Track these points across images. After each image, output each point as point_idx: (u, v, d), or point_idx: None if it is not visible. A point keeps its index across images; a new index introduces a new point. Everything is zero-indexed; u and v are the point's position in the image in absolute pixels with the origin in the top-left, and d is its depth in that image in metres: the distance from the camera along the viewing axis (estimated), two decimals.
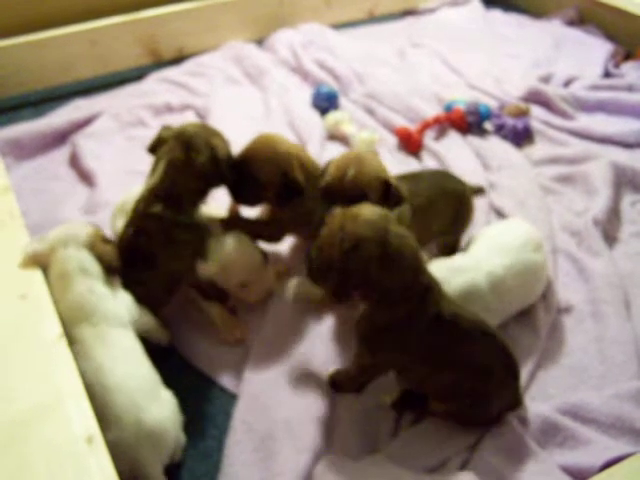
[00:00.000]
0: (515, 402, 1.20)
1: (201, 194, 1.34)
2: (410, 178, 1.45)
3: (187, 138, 1.29)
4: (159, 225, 1.28)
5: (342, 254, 1.05)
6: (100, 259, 1.23)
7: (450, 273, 1.31)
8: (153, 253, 1.29)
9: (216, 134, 1.35)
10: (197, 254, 1.34)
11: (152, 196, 1.28)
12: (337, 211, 1.12)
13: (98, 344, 1.13)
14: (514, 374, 1.18)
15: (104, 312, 1.17)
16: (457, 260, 1.38)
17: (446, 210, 1.47)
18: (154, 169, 1.31)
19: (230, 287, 1.42)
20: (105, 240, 1.28)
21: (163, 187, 1.28)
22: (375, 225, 1.06)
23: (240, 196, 1.42)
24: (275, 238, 1.51)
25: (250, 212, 1.52)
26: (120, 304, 1.22)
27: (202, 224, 1.34)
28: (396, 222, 1.10)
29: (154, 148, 1.33)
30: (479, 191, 1.65)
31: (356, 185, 1.24)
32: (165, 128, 1.34)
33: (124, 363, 1.12)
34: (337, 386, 1.28)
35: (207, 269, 1.36)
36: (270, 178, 1.37)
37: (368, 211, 1.09)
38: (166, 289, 1.36)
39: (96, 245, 1.24)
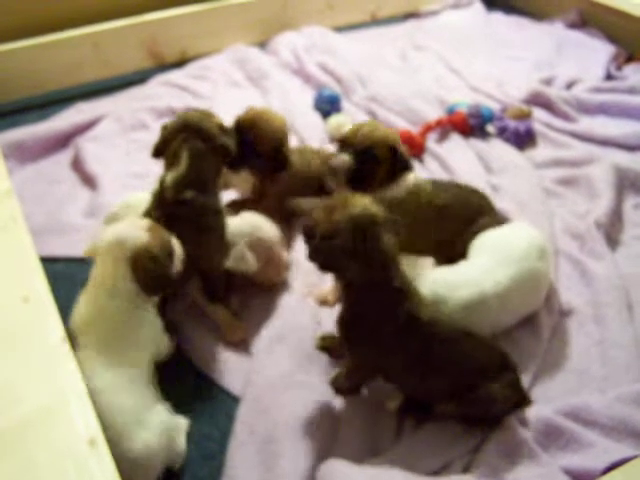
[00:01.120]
0: (520, 396, 1.20)
1: (219, 173, 1.38)
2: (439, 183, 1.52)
3: (196, 125, 1.32)
4: (191, 211, 1.30)
5: (319, 237, 1.11)
6: (139, 277, 1.14)
7: (454, 284, 1.31)
8: (182, 239, 1.27)
9: (212, 114, 1.39)
10: (220, 241, 1.37)
11: (181, 184, 1.29)
12: (339, 194, 1.19)
13: (100, 360, 1.10)
14: (508, 367, 1.19)
15: (128, 335, 1.14)
16: (461, 269, 1.37)
17: (460, 218, 1.47)
18: (172, 163, 1.32)
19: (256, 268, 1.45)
20: (153, 258, 1.15)
21: (191, 175, 1.30)
22: (358, 222, 1.09)
23: (237, 165, 1.51)
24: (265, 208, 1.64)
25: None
26: (148, 329, 1.18)
27: (224, 209, 1.39)
28: (384, 221, 1.12)
29: (161, 150, 1.34)
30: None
31: (366, 139, 1.36)
32: (163, 127, 1.36)
33: (118, 390, 1.08)
34: (338, 389, 1.28)
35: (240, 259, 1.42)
36: (266, 149, 1.54)
37: (361, 205, 1.11)
38: (183, 278, 1.36)
39: (140, 262, 1.14)
